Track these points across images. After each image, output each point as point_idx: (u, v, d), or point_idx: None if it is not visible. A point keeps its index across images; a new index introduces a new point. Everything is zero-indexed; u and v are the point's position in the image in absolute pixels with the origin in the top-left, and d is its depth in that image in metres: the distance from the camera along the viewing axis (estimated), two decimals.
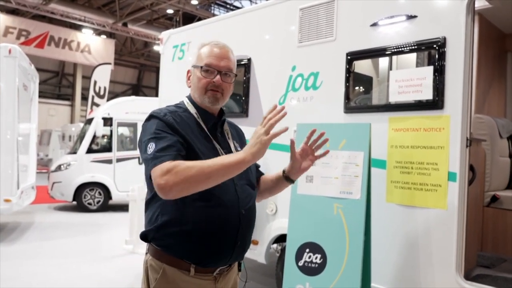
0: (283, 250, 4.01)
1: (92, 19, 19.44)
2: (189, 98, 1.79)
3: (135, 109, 9.85)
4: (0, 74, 6.28)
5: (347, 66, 3.43)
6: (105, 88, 16.18)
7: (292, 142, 1.73)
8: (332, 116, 3.49)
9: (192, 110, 1.75)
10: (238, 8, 21.95)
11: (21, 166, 7.09)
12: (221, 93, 1.73)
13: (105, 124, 9.65)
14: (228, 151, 1.74)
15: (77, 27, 20.84)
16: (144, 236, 1.70)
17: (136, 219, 6.14)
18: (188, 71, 1.80)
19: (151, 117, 1.65)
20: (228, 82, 1.74)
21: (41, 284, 4.76)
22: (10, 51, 6.33)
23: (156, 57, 27.65)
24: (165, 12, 20.91)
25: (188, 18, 19.73)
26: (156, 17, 21.70)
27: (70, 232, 7.48)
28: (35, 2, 17.29)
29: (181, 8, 19.34)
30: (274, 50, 4.07)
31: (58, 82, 27.23)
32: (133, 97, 10.93)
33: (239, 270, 1.87)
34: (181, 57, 5.11)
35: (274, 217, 3.92)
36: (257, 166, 2.03)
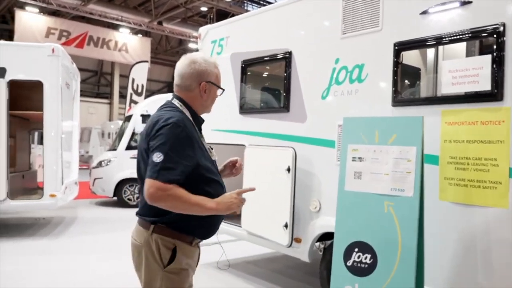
0: (326, 249, 3.90)
1: (129, 18, 19.82)
2: (182, 101, 2.04)
3: None
4: (44, 73, 6.45)
5: (395, 57, 3.27)
6: (142, 86, 16.44)
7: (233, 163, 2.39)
8: (379, 109, 3.34)
9: (187, 113, 2.03)
10: (271, 3, 21.78)
11: (64, 162, 7.27)
12: None
13: (143, 121, 9.75)
14: (207, 148, 2.10)
15: (115, 27, 21.30)
16: (154, 219, 1.93)
17: None
18: (204, 85, 2.04)
19: (173, 124, 1.86)
20: None
21: (84, 277, 4.85)
22: (53, 50, 6.49)
23: None
24: (199, 9, 21.03)
25: (222, 15, 19.75)
26: (190, 15, 21.87)
27: (110, 227, 7.63)
28: (75, 3, 17.79)
29: (215, 5, 19.39)
30: (316, 42, 3.95)
31: (97, 81, 27.98)
32: (170, 94, 11.00)
33: None
34: (219, 52, 5.07)
35: (317, 214, 3.81)
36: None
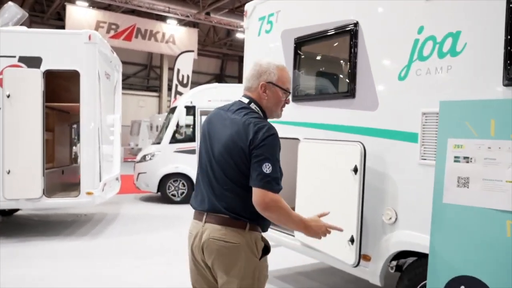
0: (405, 271, 3.08)
1: (176, 9, 19.52)
2: (258, 105, 2.09)
3: (217, 97, 9.33)
4: (80, 61, 6.02)
5: (509, 20, 2.39)
6: (188, 77, 16.03)
7: None
8: (484, 90, 2.47)
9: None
10: None
11: (106, 156, 6.88)
12: None
13: (187, 113, 9.30)
14: None
15: (162, 19, 21.13)
16: (248, 219, 1.97)
17: None
18: (263, 85, 2.07)
19: (275, 135, 1.94)
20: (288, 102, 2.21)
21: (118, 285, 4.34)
22: (90, 37, 6.03)
23: (239, 46, 27.36)
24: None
25: None
26: (238, 6, 21.28)
27: (153, 226, 7.17)
28: None
29: None
30: (391, 8, 3.11)
31: (147, 75, 28.13)
32: (215, 84, 10.48)
33: None
34: (268, 30, 4.33)
35: (393, 227, 3.00)
36: None
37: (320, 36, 3.70)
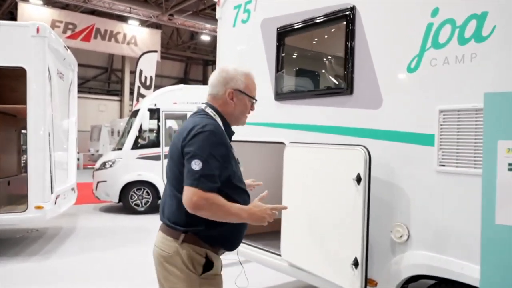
0: None
1: (138, 10, 18.71)
2: (215, 110, 2.01)
3: (184, 99, 8.77)
4: (27, 57, 5.27)
5: None
6: (151, 78, 15.21)
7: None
8: None
9: (219, 122, 1.98)
10: None
11: (60, 164, 6.14)
12: None
13: (151, 117, 8.65)
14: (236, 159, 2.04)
15: (123, 19, 20.23)
16: (186, 228, 1.87)
17: None
18: (231, 92, 2.00)
19: (210, 132, 1.83)
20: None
21: None
22: (38, 30, 5.30)
23: (203, 49, 26.74)
24: (211, 1, 19.81)
25: None
26: (202, 8, 20.68)
27: (114, 241, 6.46)
28: None
29: None
30: None
31: (107, 78, 26.98)
32: (181, 86, 9.81)
33: None
34: (245, 19, 3.81)
35: (404, 247, 2.53)
36: None
37: (308, 24, 3.21)
